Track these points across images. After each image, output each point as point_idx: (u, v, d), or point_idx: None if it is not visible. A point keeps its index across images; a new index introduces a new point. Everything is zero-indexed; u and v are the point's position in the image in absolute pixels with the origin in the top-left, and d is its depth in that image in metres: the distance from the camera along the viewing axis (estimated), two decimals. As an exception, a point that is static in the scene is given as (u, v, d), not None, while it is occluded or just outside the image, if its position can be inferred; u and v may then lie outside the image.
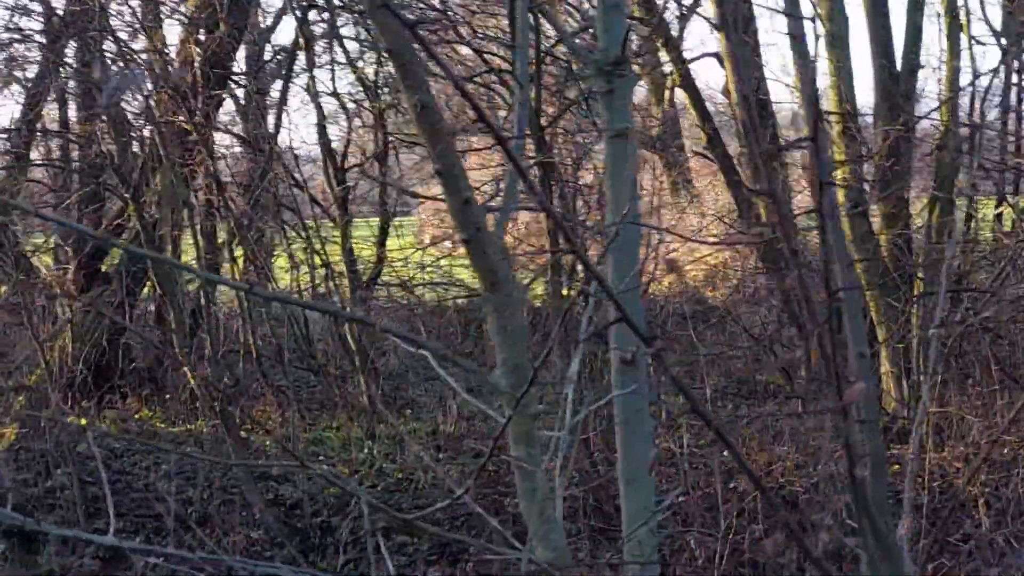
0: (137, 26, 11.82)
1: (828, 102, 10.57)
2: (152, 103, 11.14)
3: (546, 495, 3.37)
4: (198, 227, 12.14)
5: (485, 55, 12.94)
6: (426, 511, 3.85)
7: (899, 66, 11.29)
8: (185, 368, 10.51)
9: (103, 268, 14.34)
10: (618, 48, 3.79)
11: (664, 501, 4.17)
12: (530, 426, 3.37)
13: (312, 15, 13.44)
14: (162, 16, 12.47)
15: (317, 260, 13.90)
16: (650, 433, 4.02)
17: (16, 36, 14.08)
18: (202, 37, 12.19)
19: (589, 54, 3.89)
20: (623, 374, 3.77)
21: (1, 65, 14.57)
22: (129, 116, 12.34)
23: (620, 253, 3.84)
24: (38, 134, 15.42)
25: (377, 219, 15.63)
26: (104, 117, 12.14)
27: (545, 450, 3.41)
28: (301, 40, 12.83)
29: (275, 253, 14.46)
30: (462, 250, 12.79)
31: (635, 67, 15.39)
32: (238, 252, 12.93)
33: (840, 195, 10.78)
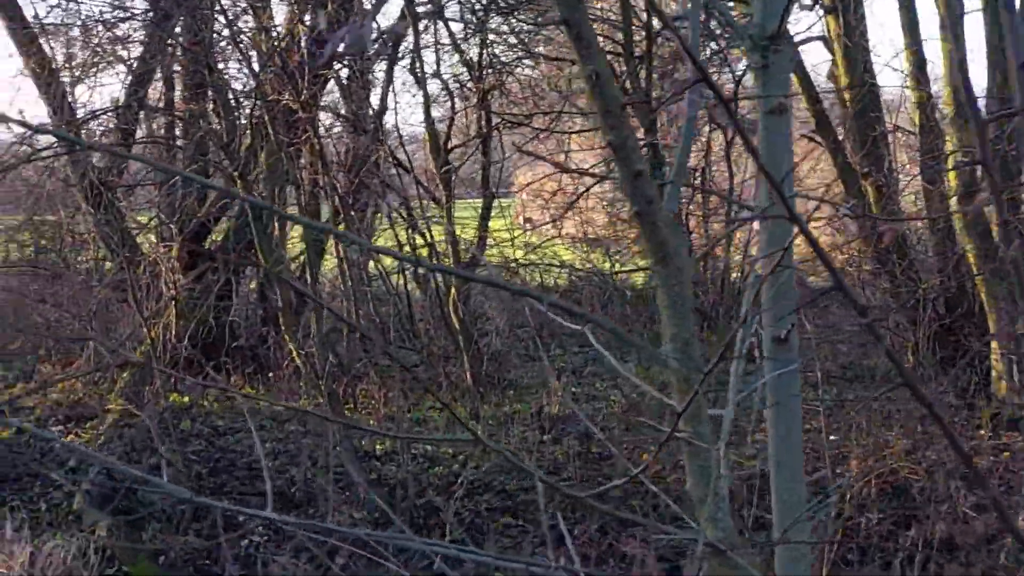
0: (245, 5, 12.07)
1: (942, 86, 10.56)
2: (259, 81, 11.39)
3: (709, 473, 3.37)
4: (304, 206, 12.37)
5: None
6: (600, 490, 3.94)
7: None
8: (291, 346, 10.72)
9: (207, 246, 14.64)
10: (776, 21, 3.77)
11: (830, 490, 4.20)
12: (699, 403, 3.37)
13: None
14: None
15: (420, 240, 14.13)
16: (800, 415, 4.00)
17: (124, 15, 14.45)
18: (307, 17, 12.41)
19: (745, 28, 3.85)
20: (775, 353, 3.75)
21: (105, 44, 14.93)
22: (236, 95, 12.64)
23: (776, 229, 3.81)
24: (144, 113, 15.77)
25: (476, 201, 15.81)
26: (211, 96, 12.45)
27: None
28: (408, 20, 12.99)
29: (376, 232, 14.67)
30: (565, 232, 12.87)
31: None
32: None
33: (952, 180, 10.79)
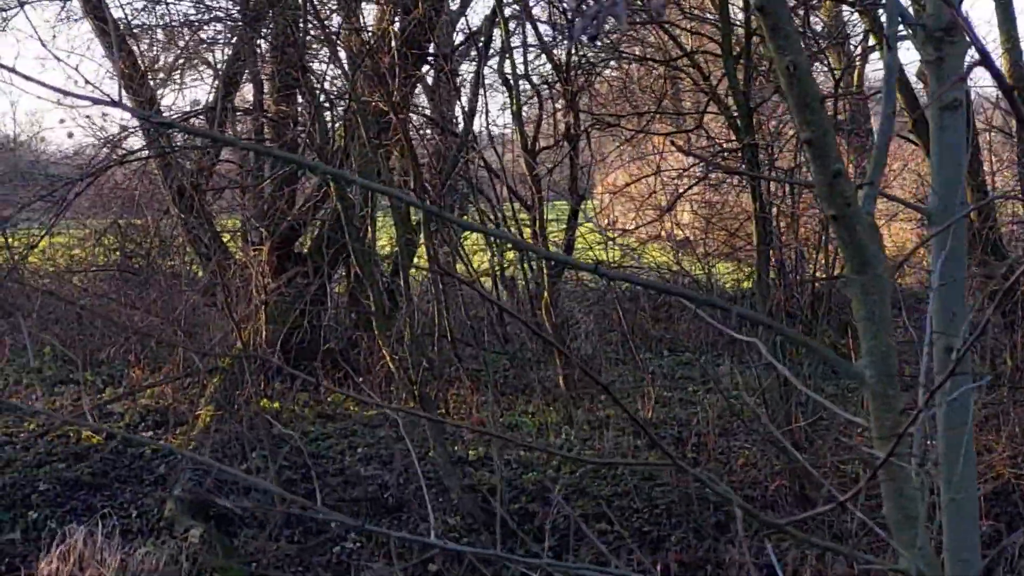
0: (335, 5, 12.21)
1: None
2: (351, 82, 11.51)
3: (910, 496, 3.27)
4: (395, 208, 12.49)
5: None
6: (801, 516, 3.86)
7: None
8: (384, 350, 10.81)
9: (297, 250, 14.80)
10: (950, 12, 3.59)
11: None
12: (897, 421, 3.24)
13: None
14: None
15: (504, 243, 14.22)
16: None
17: (209, 16, 14.66)
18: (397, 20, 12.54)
19: (917, 19, 3.73)
20: (947, 366, 3.52)
21: (192, 46, 15.17)
22: (329, 96, 12.80)
23: (952, 235, 3.69)
24: (231, 115, 15.98)
25: (562, 203, 15.87)
26: (302, 98, 12.62)
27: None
28: (498, 20, 13.06)
29: (464, 235, 14.79)
30: (649, 233, 12.82)
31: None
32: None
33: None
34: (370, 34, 12.41)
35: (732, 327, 14.07)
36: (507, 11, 13.66)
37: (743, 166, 11.22)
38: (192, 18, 15.53)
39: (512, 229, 14.14)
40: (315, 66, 13.93)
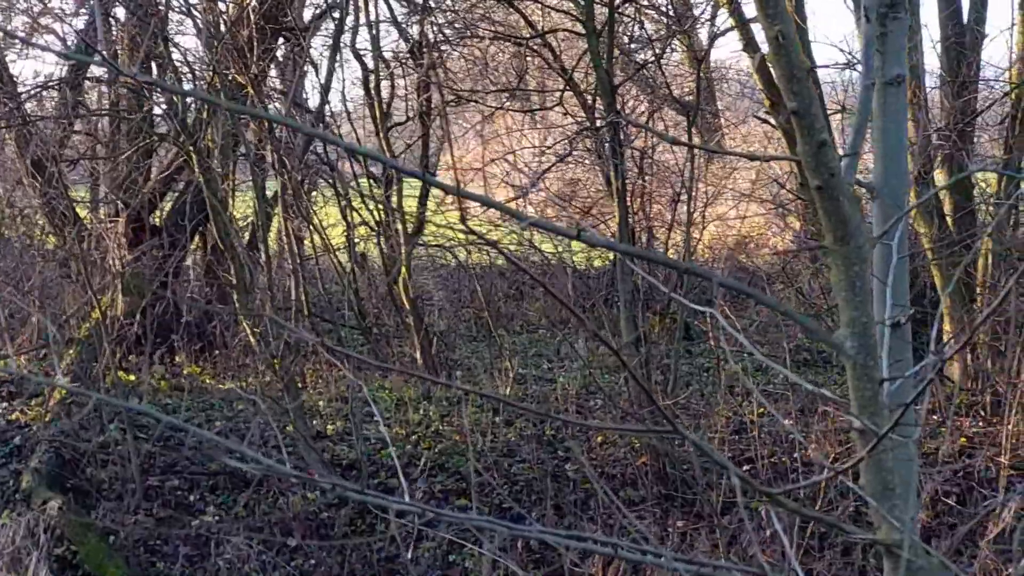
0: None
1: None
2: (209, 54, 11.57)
3: (888, 468, 3.25)
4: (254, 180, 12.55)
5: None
6: (794, 487, 3.88)
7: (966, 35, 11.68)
8: (244, 324, 10.90)
9: (153, 222, 14.78)
10: None
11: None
12: (875, 392, 3.23)
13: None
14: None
15: (356, 217, 14.36)
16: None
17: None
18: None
19: None
20: (892, 340, 3.53)
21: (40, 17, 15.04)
22: (191, 67, 12.83)
23: (889, 207, 3.77)
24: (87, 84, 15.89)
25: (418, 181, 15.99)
26: (157, 70, 12.63)
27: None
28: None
29: (315, 210, 14.86)
30: (495, 214, 13.03)
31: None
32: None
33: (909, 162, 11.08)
34: (228, 6, 12.47)
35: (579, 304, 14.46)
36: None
37: (606, 144, 11.41)
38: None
39: (367, 206, 14.28)
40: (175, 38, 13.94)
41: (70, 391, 11.68)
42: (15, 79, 14.54)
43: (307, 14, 14.52)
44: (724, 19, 15.07)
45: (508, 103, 16.24)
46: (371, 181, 14.42)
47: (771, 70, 13.32)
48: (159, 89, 12.48)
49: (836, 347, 3.37)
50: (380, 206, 13.76)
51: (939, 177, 11.64)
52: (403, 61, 15.19)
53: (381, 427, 10.03)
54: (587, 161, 16.41)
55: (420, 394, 12.47)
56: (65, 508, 9.69)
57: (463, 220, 13.38)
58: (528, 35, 13.95)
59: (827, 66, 14.20)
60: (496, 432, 11.32)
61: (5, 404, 12.96)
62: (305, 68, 13.98)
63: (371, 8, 13.80)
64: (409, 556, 8.94)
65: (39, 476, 10.34)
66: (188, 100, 11.71)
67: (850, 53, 12.73)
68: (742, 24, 12.31)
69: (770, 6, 3.15)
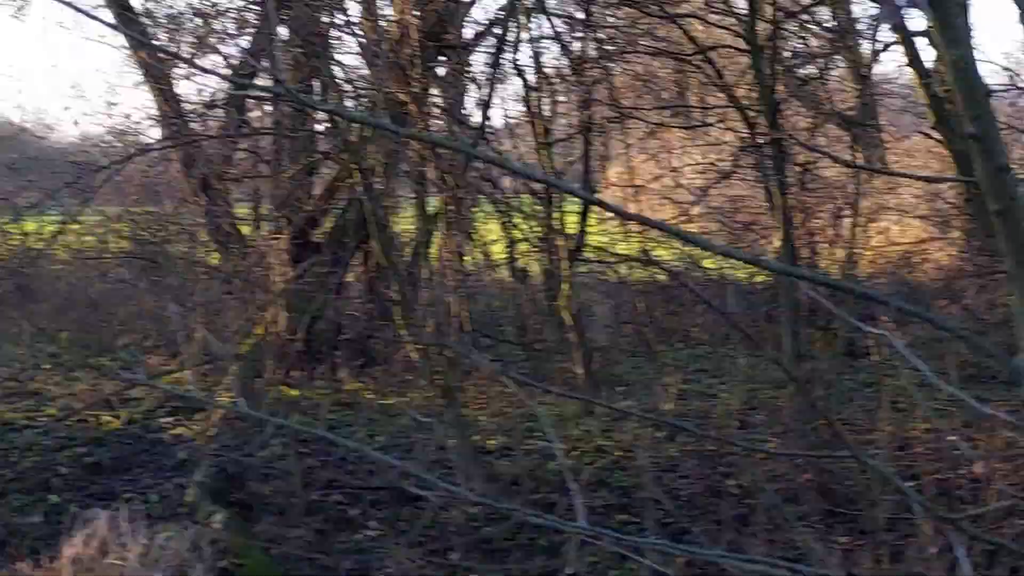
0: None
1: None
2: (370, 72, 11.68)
3: None
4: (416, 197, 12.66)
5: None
6: (977, 512, 3.73)
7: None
8: (407, 339, 10.96)
9: (315, 239, 14.97)
10: None
11: None
12: None
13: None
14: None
15: (517, 233, 14.38)
16: None
17: (222, 8, 14.82)
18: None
19: None
20: None
21: (206, 36, 15.34)
22: (354, 85, 12.97)
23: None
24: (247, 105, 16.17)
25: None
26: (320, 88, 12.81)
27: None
28: (517, 12, 13.18)
29: (477, 226, 14.91)
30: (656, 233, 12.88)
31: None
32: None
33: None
34: (389, 25, 12.56)
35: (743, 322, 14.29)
36: (521, 4, 13.81)
37: (768, 161, 11.29)
38: (205, 7, 15.69)
39: (528, 222, 14.29)
40: (337, 56, 14.11)
41: (231, 410, 11.89)
42: (180, 98, 14.87)
43: (468, 31, 14.57)
44: (887, 32, 14.75)
45: (670, 119, 16.14)
46: (532, 197, 14.42)
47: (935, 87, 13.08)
48: (315, 109, 12.64)
49: (1017, 372, 3.29)
50: (541, 222, 13.75)
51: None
52: (564, 77, 15.16)
53: (555, 445, 9.92)
54: (749, 177, 16.22)
55: (581, 409, 12.43)
56: (228, 522, 9.73)
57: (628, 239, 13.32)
58: (690, 51, 13.86)
59: (1007, 88, 13.82)
60: (658, 447, 11.22)
61: (170, 419, 13.28)
62: (466, 85, 14.03)
63: (533, 24, 13.83)
64: (572, 573, 8.85)
65: (203, 490, 10.45)
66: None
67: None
68: (906, 39, 12.07)
69: (950, 32, 3.06)
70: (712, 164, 16.97)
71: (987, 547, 7.21)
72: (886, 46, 14.99)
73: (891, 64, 63.07)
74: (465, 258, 14.22)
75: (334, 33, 13.76)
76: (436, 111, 13.67)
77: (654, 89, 16.01)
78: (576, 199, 15.04)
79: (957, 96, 3.16)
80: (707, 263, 16.13)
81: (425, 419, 10.76)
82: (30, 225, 21.13)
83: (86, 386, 14.89)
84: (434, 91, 13.71)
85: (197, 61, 15.35)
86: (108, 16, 15.46)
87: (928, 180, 11.58)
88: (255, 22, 15.18)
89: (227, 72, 14.79)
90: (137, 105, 24.64)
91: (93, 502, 10.27)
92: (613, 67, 15.35)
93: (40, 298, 18.81)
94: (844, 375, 12.60)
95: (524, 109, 14.03)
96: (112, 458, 11.94)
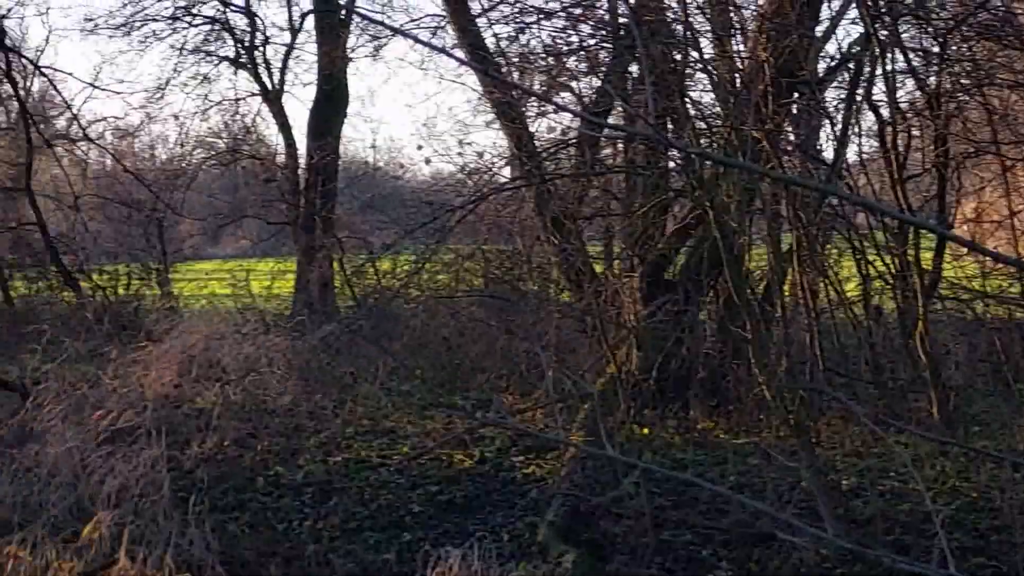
0: (710, 34, 12.94)
1: None
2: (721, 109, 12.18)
3: None
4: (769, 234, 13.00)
5: None
6: None
7: None
8: (761, 378, 11.27)
9: (667, 276, 15.47)
10: None
11: None
12: None
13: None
14: (736, 24, 13.48)
15: (872, 270, 14.53)
16: None
17: (574, 46, 15.59)
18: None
19: None
20: None
21: (558, 75, 16.16)
22: (708, 123, 13.48)
23: None
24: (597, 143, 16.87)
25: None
26: (671, 125, 13.38)
27: None
28: (871, 46, 13.45)
29: (830, 263, 15.11)
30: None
31: None
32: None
33: None
34: (743, 62, 13.03)
35: None
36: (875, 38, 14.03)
37: None
38: (559, 46, 16.53)
39: (882, 259, 14.43)
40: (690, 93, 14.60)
41: (583, 450, 12.37)
42: (532, 137, 15.68)
43: (821, 66, 14.88)
44: None
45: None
46: (886, 234, 14.60)
47: None
48: (674, 148, 13.13)
49: None
50: (896, 259, 13.91)
51: None
52: (919, 112, 15.30)
53: (918, 487, 10.10)
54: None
55: (935, 449, 12.50)
56: (579, 561, 10.08)
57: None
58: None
59: None
60: (1016, 488, 11.08)
61: (522, 457, 13.86)
62: (820, 120, 14.34)
63: (887, 59, 14.05)
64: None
65: (555, 529, 10.82)
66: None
67: None
68: None
69: None
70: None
71: None
72: None
73: None
74: (819, 295, 14.50)
75: (688, 71, 14.28)
76: (789, 147, 14.01)
77: (1012, 124, 15.88)
78: (931, 235, 15.06)
79: None
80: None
81: (788, 462, 10.92)
82: (386, 264, 22.50)
83: (439, 424, 15.72)
84: (787, 127, 14.06)
85: (551, 98, 16.07)
86: (460, 55, 16.45)
87: None
88: (607, 60, 15.91)
89: (579, 110, 15.50)
90: (489, 144, 25.91)
91: (446, 540, 10.84)
92: (968, 101, 15.36)
93: (394, 337, 19.90)
94: None
95: (878, 144, 14.19)
96: (464, 496, 12.50)
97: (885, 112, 13.51)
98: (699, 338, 15.12)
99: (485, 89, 17.00)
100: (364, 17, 24.83)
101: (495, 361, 17.90)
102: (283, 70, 29.74)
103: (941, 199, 14.80)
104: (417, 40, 9.73)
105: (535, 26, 17.10)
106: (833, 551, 9.84)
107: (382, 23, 27.84)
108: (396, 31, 17.33)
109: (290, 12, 30.30)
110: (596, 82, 16.97)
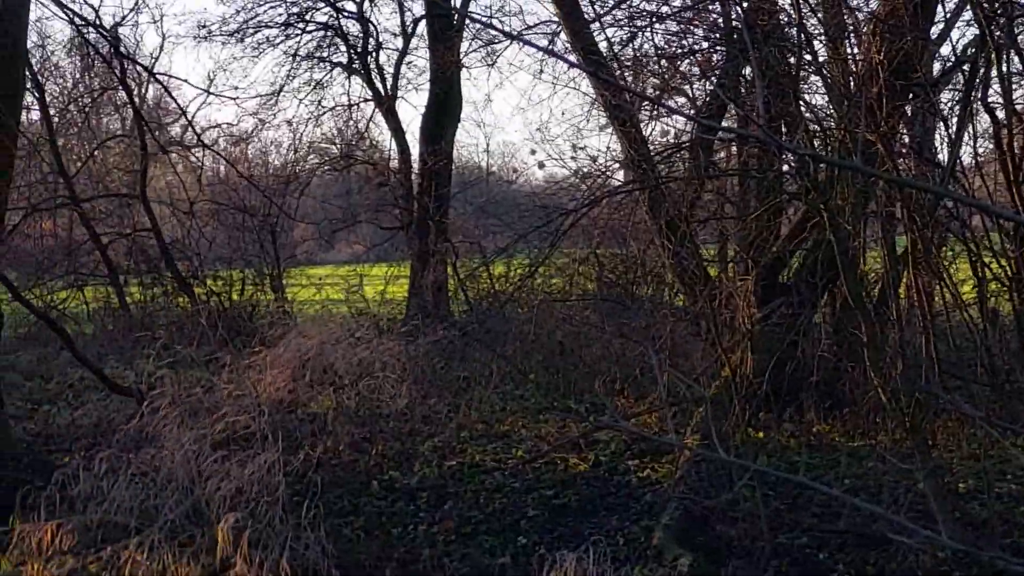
0: (823, 36, 13.02)
1: None
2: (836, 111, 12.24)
3: None
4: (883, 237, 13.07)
5: None
6: None
7: None
8: (876, 381, 11.33)
9: (781, 279, 15.55)
10: None
11: None
12: None
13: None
14: (850, 26, 13.54)
15: (987, 273, 14.52)
16: None
17: (687, 50, 15.75)
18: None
19: None
20: None
21: (671, 78, 16.32)
22: (822, 126, 13.58)
23: None
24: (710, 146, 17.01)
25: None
26: (785, 128, 13.47)
27: None
28: (988, 48, 13.45)
29: (945, 265, 15.12)
30: None
31: None
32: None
33: None
34: (857, 64, 13.09)
35: None
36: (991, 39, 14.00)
37: None
38: (672, 49, 16.72)
39: (998, 261, 14.40)
40: (806, 95, 14.69)
41: (697, 452, 12.49)
42: (646, 140, 15.86)
43: (935, 68, 14.88)
44: None
45: None
46: (1002, 236, 14.58)
47: None
48: (788, 150, 13.21)
49: None
50: (1012, 262, 13.88)
51: None
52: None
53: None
54: None
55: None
56: (695, 565, 10.21)
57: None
58: None
59: None
60: None
61: (636, 461, 14.04)
62: (934, 122, 14.37)
63: (1003, 60, 14.02)
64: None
65: (669, 533, 10.95)
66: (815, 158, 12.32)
67: None
68: None
69: None
70: None
71: None
72: None
73: None
74: (934, 297, 14.51)
75: (801, 73, 14.37)
76: (903, 150, 14.03)
77: None
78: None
79: None
80: None
81: (903, 465, 10.94)
82: (499, 268, 22.76)
83: (553, 428, 15.93)
84: (901, 130, 14.09)
85: (664, 102, 16.24)
86: (573, 59, 16.66)
87: None
88: (720, 63, 16.05)
89: (692, 113, 15.67)
90: (602, 148, 26.08)
91: (561, 544, 10.99)
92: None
93: (508, 341, 20.13)
94: None
95: (993, 146, 14.17)
96: (579, 500, 12.68)
97: (1000, 114, 13.45)
98: (814, 341, 15.16)
99: (598, 93, 17.19)
100: (477, 21, 25.04)
101: (609, 365, 18.05)
102: (396, 75, 30.13)
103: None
104: (529, 43, 9.92)
105: (648, 30, 17.32)
106: (947, 552, 9.89)
107: (496, 27, 28.09)
108: (510, 36, 17.53)
109: (403, 17, 30.79)
110: (709, 85, 17.13)
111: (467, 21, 27.28)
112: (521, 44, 24.12)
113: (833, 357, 14.90)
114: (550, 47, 17.96)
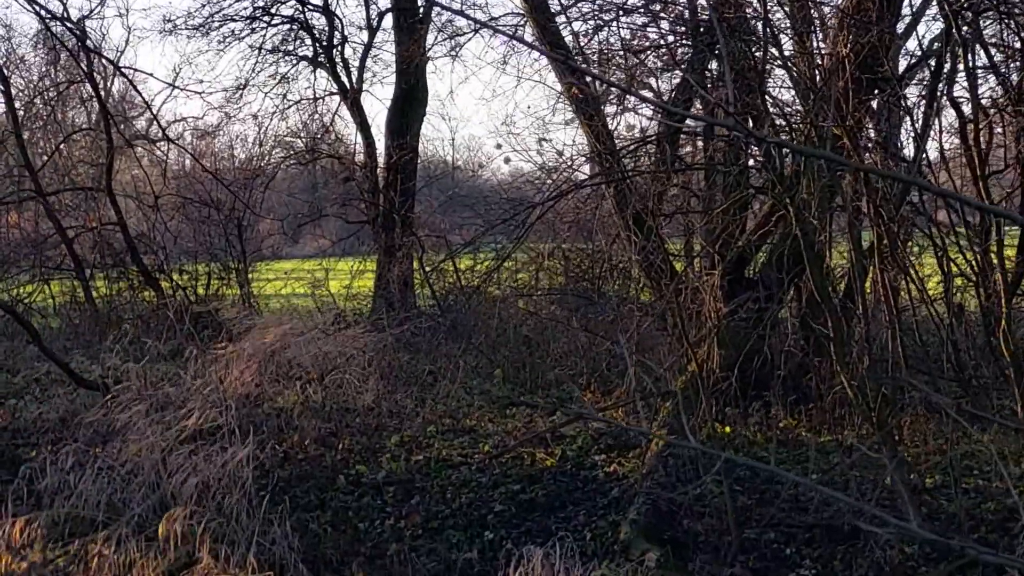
0: (790, 30, 13.02)
1: None
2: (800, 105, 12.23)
3: None
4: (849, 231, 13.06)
5: None
6: None
7: None
8: (842, 376, 11.33)
9: (748, 274, 15.55)
10: None
11: None
12: None
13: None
14: (816, 20, 13.54)
15: (954, 268, 14.54)
16: None
17: (653, 43, 15.71)
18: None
19: None
20: None
21: (636, 73, 16.29)
22: (788, 120, 13.56)
23: None
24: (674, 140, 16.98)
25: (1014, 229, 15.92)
26: (752, 119, 13.44)
27: None
28: (954, 42, 13.46)
29: (912, 260, 15.14)
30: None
31: None
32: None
33: None
34: (823, 59, 13.08)
35: None
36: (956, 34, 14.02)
37: None
38: (638, 42, 16.67)
39: (964, 256, 14.43)
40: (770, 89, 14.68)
41: (667, 441, 12.46)
42: (612, 134, 15.81)
43: (902, 62, 14.88)
44: None
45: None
46: (968, 231, 14.60)
47: None
48: (756, 141, 13.20)
49: None
50: (978, 256, 13.90)
51: None
52: (1002, 108, 15.28)
53: (1008, 480, 10.12)
54: None
55: (1021, 447, 12.51)
56: (662, 560, 10.13)
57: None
58: None
59: None
60: None
61: (603, 456, 13.99)
62: (900, 117, 14.37)
63: (969, 55, 14.03)
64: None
65: (636, 527, 10.86)
66: (784, 152, 12.32)
67: None
68: None
69: None
70: None
71: None
72: None
73: None
74: (900, 292, 14.52)
75: (767, 67, 14.35)
76: (869, 144, 14.03)
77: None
78: (1013, 233, 14.98)
79: None
80: None
81: (871, 454, 10.92)
82: (465, 262, 22.70)
83: (520, 423, 15.88)
84: (867, 124, 14.08)
85: (631, 90, 16.20)
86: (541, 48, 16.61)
87: None
88: (686, 56, 16.01)
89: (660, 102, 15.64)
90: (568, 142, 26.06)
91: (528, 539, 10.94)
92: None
93: (474, 335, 20.10)
94: None
95: (959, 141, 14.20)
96: (546, 495, 12.63)
97: (966, 108, 13.49)
98: (780, 336, 15.17)
99: (564, 86, 17.15)
100: (445, 8, 24.93)
101: (575, 359, 18.04)
102: (361, 69, 30.08)
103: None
104: (496, 29, 9.89)
105: (614, 23, 17.27)
106: (915, 547, 9.87)
107: (463, 13, 28.01)
108: (478, 23, 17.46)
109: (368, 11, 30.63)
110: (675, 79, 17.12)
111: (434, 9, 27.22)
112: (488, 33, 23.99)
113: (800, 352, 14.91)
114: (517, 34, 17.86)
